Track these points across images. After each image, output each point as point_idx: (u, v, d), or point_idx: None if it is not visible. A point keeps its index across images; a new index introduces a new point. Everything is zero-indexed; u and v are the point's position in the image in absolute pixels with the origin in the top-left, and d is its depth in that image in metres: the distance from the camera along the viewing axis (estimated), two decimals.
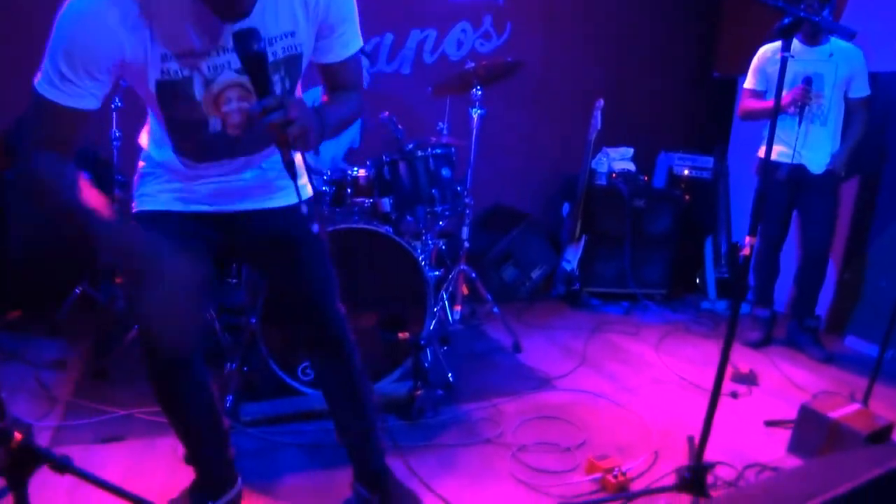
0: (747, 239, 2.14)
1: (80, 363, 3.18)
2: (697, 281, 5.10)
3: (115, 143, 3.48)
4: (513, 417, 2.91)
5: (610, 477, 2.37)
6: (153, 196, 1.81)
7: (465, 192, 3.40)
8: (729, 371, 3.54)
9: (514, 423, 2.85)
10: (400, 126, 3.05)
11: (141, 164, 1.87)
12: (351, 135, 4.06)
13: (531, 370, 3.46)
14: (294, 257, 1.93)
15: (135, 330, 3.13)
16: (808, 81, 3.73)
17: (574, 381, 3.37)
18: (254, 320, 2.72)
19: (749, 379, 3.54)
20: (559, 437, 2.75)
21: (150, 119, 1.81)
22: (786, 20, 2.10)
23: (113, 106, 3.40)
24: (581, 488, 2.39)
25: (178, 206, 1.81)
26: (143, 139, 1.87)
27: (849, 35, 2.12)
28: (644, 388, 3.37)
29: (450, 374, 3.11)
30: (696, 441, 2.23)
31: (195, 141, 1.71)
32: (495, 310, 3.78)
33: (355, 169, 3.26)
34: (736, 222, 5.09)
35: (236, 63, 1.51)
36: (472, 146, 3.49)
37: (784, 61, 2.10)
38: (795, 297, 4.18)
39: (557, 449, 2.65)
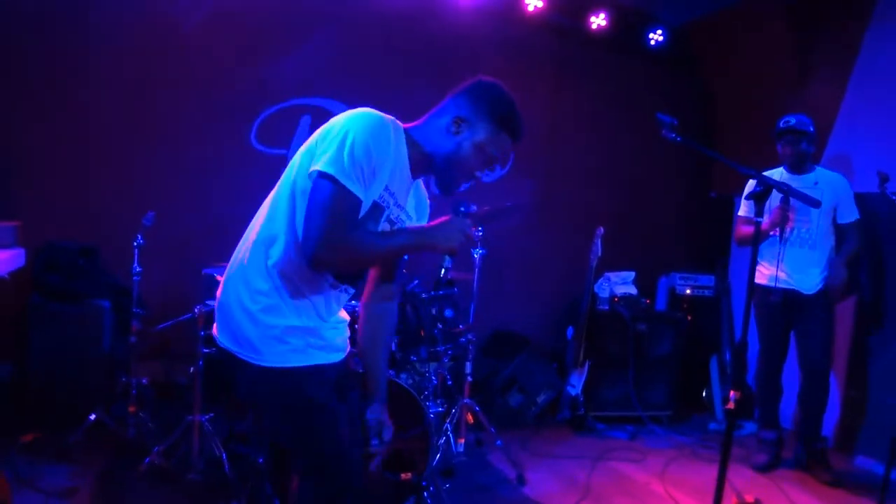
0: (732, 393, 2.22)
1: (91, 492, 3.23)
2: (704, 396, 5.12)
3: (135, 277, 3.66)
4: None
5: None
6: (303, 351, 1.89)
7: (468, 329, 3.53)
8: (734, 502, 3.55)
9: None
10: (404, 270, 3.20)
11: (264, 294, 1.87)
12: None
13: None
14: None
15: (146, 463, 3.21)
16: (783, 200, 3.91)
17: None
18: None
19: None
20: None
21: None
22: (756, 188, 2.27)
23: (135, 244, 3.60)
24: None
25: (322, 359, 1.94)
26: (275, 270, 1.86)
27: (813, 203, 2.28)
28: None
29: None
30: None
31: None
32: (498, 443, 3.82)
33: None
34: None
35: (405, 219, 1.98)
36: (475, 284, 3.64)
37: (758, 226, 2.25)
38: (800, 419, 4.20)
39: None
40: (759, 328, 4.26)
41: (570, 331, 4.95)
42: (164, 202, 4.02)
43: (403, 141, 1.90)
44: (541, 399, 4.68)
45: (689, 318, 5.12)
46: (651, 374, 4.86)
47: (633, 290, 5.07)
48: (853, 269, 4.06)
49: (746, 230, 4.17)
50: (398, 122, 1.91)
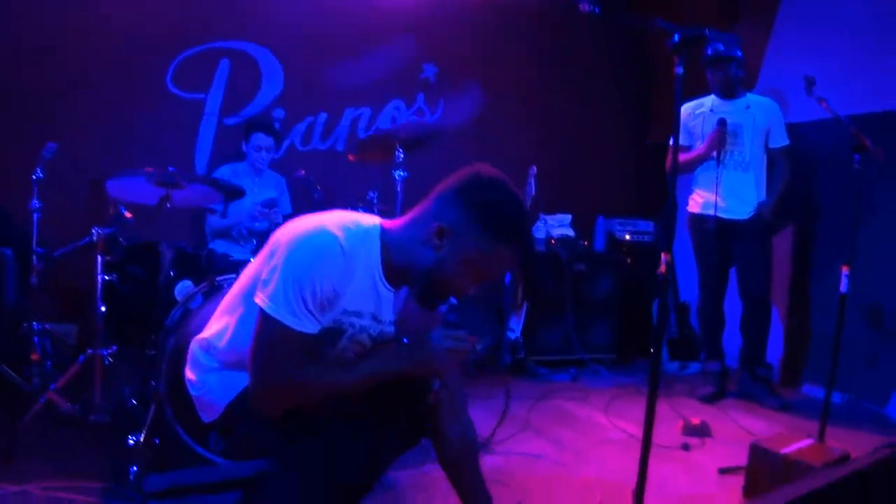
0: (663, 256, 2.08)
1: None
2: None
3: (35, 214, 3.34)
4: (443, 482, 2.70)
5: None
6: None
7: None
8: (679, 424, 3.44)
9: (444, 489, 2.65)
10: (319, 187, 2.97)
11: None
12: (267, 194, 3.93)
13: None
14: None
15: (39, 404, 2.92)
16: (721, 123, 3.86)
17: (514, 444, 3.18)
18: (161, 386, 2.56)
19: (701, 430, 3.42)
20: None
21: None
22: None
23: (34, 177, 3.29)
24: None
25: None
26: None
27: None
28: (591, 449, 3.21)
29: None
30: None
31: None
32: (436, 384, 3.60)
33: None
34: (682, 283, 5.10)
35: (386, 332, 1.79)
36: (397, 210, 3.35)
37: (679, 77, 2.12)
38: (744, 348, 4.15)
39: None
40: (697, 259, 4.21)
41: (507, 275, 4.80)
42: (71, 142, 3.71)
43: (370, 253, 1.64)
44: (480, 346, 4.50)
45: (629, 261, 5.04)
46: (592, 317, 4.76)
47: (570, 233, 4.96)
48: (786, 200, 4.02)
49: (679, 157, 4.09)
50: (373, 221, 1.69)
